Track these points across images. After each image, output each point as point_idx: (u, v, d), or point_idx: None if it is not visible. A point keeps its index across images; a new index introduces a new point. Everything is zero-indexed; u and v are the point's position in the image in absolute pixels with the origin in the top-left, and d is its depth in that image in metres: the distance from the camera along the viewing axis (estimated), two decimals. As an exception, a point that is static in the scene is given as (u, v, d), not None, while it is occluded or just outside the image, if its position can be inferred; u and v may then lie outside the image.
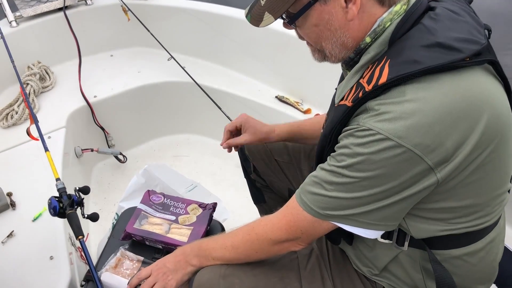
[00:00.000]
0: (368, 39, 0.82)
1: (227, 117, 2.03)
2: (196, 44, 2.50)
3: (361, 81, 0.79)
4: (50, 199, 1.20)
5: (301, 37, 0.93)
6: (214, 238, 1.05)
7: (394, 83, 0.73)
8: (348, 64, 0.88)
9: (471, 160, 0.75)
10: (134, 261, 1.19)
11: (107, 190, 2.20)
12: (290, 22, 0.87)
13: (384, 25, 0.80)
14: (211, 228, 1.32)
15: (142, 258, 1.20)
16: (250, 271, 1.00)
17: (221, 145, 1.35)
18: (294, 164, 1.35)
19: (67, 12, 2.37)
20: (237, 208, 1.99)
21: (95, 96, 2.21)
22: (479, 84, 0.76)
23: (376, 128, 0.73)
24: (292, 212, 0.89)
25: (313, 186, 0.84)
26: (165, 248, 1.24)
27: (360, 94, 0.77)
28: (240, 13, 2.29)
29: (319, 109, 2.09)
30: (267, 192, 1.47)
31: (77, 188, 1.27)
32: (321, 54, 0.91)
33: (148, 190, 1.39)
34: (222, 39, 2.39)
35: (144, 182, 1.63)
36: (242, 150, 1.43)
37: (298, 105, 2.12)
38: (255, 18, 0.89)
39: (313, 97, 2.15)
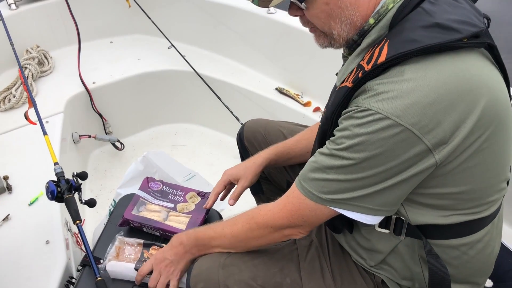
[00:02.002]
0: (371, 21, 0.82)
1: (226, 107, 2.02)
2: (197, 33, 2.48)
3: (361, 63, 0.80)
4: (48, 183, 1.20)
5: (305, 24, 0.91)
6: (211, 226, 1.05)
7: (393, 62, 0.74)
8: (351, 47, 0.88)
9: (469, 144, 0.76)
10: (135, 245, 1.18)
11: (104, 177, 2.19)
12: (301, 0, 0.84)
13: (387, 6, 0.80)
14: (209, 217, 1.31)
15: (142, 241, 1.19)
16: (250, 261, 1.00)
17: (208, 207, 1.27)
18: (293, 156, 1.35)
19: (68, -4, 2.34)
20: (234, 199, 1.99)
21: (94, 82, 2.19)
22: (477, 67, 0.77)
23: (375, 108, 0.73)
24: (293, 201, 0.88)
25: (314, 172, 0.84)
26: (163, 235, 1.24)
27: (360, 74, 0.77)
28: (241, 3, 2.27)
29: (319, 102, 2.09)
30: (265, 184, 1.47)
31: (75, 173, 1.27)
32: (327, 38, 0.89)
33: (147, 177, 1.39)
34: (223, 28, 2.37)
35: (142, 169, 1.62)
36: (241, 142, 1.42)
37: (298, 97, 2.12)
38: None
39: (314, 90, 2.14)
